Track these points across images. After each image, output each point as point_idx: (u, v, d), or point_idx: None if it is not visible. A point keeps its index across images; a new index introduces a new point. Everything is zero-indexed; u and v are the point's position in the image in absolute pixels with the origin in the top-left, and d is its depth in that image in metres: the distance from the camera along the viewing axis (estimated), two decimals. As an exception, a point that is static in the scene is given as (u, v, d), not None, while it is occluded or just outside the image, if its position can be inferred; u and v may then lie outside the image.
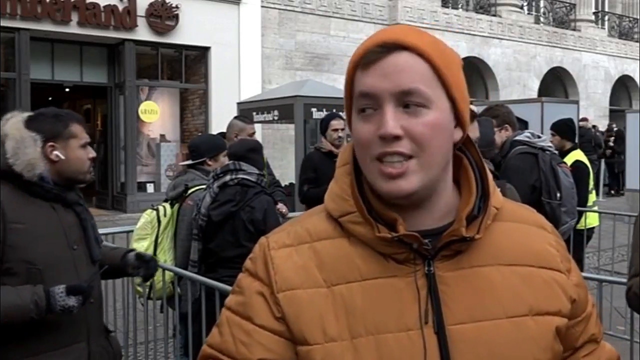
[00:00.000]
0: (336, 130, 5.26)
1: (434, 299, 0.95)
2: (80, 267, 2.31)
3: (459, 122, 0.99)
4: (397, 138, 0.93)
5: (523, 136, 3.99)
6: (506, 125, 4.07)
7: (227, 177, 3.50)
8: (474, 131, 2.83)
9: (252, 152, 3.66)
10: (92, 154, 2.41)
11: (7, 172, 2.20)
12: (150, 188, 13.31)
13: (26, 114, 2.33)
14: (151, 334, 4.38)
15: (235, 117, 5.29)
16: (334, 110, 9.53)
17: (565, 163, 4.01)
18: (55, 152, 2.28)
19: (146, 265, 2.65)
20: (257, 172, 3.56)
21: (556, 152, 4.09)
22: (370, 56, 0.94)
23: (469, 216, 0.99)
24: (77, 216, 2.35)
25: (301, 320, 0.96)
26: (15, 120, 2.27)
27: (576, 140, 5.82)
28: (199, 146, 4.08)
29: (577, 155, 5.45)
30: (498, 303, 0.97)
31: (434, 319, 0.94)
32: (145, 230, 3.79)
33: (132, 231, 4.16)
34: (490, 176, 1.03)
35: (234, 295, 1.05)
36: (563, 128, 5.64)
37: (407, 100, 0.93)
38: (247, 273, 1.04)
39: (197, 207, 3.62)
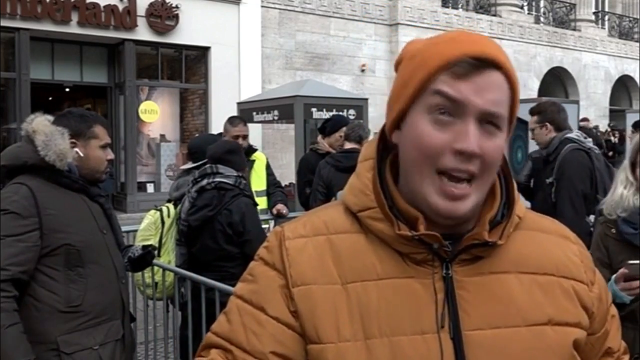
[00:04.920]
0: None
1: (452, 303, 0.93)
2: (112, 250, 2.48)
3: None
4: (474, 156, 0.90)
5: (574, 134, 4.08)
6: (546, 124, 4.12)
7: (204, 182, 3.45)
8: None
9: (229, 154, 3.58)
10: (110, 155, 2.61)
11: (37, 165, 2.33)
12: (150, 188, 13.29)
13: (48, 115, 2.47)
14: (151, 334, 4.38)
15: (229, 118, 5.13)
16: (334, 111, 9.59)
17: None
18: (76, 150, 2.42)
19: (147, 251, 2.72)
20: (235, 174, 3.49)
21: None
22: (465, 67, 0.90)
23: (492, 221, 0.97)
24: (101, 206, 2.51)
25: (315, 317, 0.93)
26: (42, 119, 2.42)
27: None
28: (202, 146, 4.07)
29: None
30: (517, 311, 0.95)
31: (451, 324, 0.92)
32: (149, 231, 3.79)
33: (132, 231, 4.16)
34: (514, 184, 1.02)
35: (246, 283, 1.00)
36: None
37: (488, 119, 0.91)
38: (261, 262, 1.00)
39: (178, 212, 3.61)
